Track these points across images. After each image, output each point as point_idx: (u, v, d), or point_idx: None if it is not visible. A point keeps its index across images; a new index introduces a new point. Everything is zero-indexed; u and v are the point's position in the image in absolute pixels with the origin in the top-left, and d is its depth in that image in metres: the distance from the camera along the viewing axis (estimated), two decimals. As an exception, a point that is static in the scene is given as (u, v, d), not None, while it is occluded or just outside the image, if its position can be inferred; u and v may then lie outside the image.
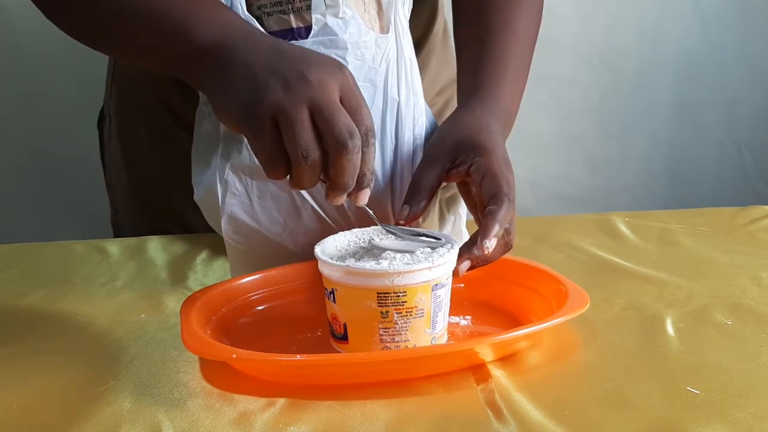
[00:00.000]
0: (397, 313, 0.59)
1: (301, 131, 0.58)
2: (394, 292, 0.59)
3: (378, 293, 0.58)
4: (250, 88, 0.59)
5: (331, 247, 0.64)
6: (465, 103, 0.74)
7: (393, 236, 0.64)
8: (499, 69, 0.75)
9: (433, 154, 0.68)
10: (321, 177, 0.60)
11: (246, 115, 0.59)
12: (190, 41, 0.62)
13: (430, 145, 0.70)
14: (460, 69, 0.80)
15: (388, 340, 0.60)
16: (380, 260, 0.59)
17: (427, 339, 0.61)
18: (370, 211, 0.64)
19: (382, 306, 0.59)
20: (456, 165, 0.67)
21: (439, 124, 0.74)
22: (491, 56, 0.76)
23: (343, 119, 0.58)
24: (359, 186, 0.61)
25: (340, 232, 0.65)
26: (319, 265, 0.61)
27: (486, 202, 0.65)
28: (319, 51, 0.67)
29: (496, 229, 0.63)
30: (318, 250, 0.61)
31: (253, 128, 0.59)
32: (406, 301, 0.59)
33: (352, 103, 0.60)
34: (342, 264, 0.59)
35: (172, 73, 0.69)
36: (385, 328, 0.59)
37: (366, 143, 0.60)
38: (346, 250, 0.64)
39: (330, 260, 0.60)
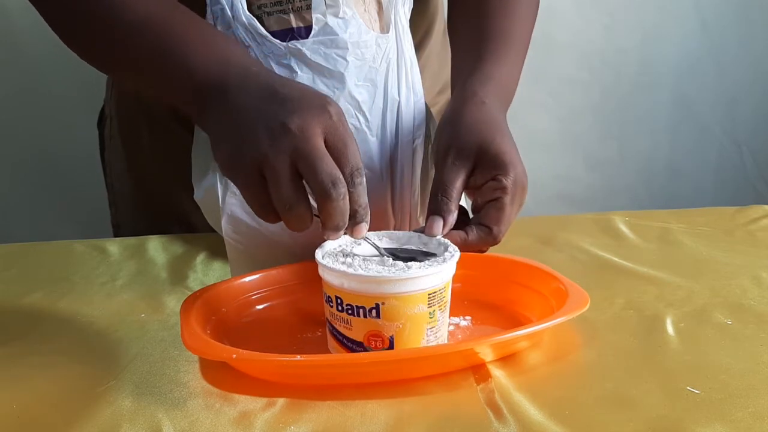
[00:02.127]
0: (439, 311, 0.60)
1: (282, 185, 0.58)
2: (440, 290, 0.59)
3: (429, 294, 0.59)
4: (237, 137, 0.60)
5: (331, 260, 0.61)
6: (470, 89, 0.72)
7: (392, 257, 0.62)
8: (500, 51, 0.76)
9: (455, 161, 0.67)
10: (316, 214, 0.60)
11: (234, 166, 0.61)
12: (189, 79, 0.63)
13: (448, 147, 0.68)
14: (457, 50, 0.80)
15: (432, 339, 0.60)
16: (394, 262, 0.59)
17: (447, 330, 0.62)
18: (370, 240, 0.63)
19: (431, 306, 0.59)
20: (474, 174, 0.67)
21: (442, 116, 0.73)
22: (492, 38, 0.76)
23: (326, 168, 0.58)
24: (353, 222, 0.61)
25: (326, 242, 0.63)
26: (354, 285, 0.58)
27: (484, 220, 0.66)
28: (319, 51, 0.67)
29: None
30: (343, 267, 0.58)
31: (241, 180, 0.60)
32: (444, 297, 0.60)
33: (338, 145, 0.59)
34: (392, 275, 0.57)
35: (171, 105, 0.70)
36: (431, 327, 0.60)
37: (352, 184, 0.59)
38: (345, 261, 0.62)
39: (378, 275, 0.57)
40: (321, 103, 0.60)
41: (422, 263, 0.59)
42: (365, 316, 0.58)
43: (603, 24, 1.62)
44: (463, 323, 0.67)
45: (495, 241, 0.66)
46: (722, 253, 0.83)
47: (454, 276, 0.61)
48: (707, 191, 1.74)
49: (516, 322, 0.67)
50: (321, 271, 0.60)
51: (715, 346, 0.63)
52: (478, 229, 0.66)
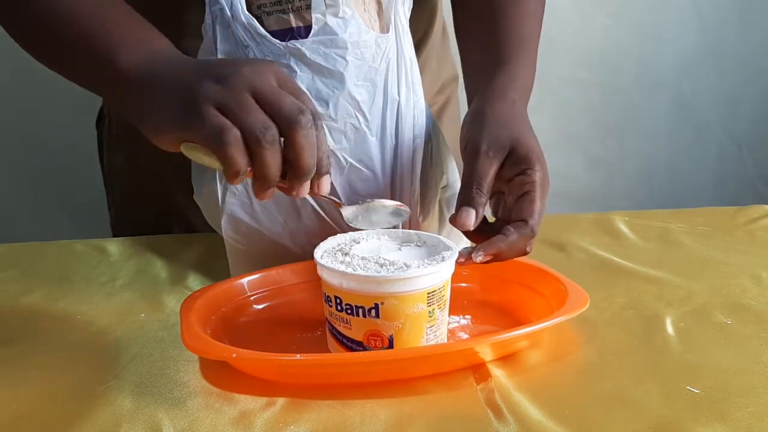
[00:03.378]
0: (438, 309, 0.60)
1: (252, 110, 0.56)
2: (439, 289, 0.59)
3: (428, 293, 0.59)
4: (182, 93, 0.58)
5: (330, 259, 0.61)
6: (500, 88, 0.72)
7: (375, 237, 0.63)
8: (520, 51, 0.76)
9: (489, 152, 0.66)
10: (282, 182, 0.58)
11: (185, 117, 0.57)
12: (116, 71, 0.62)
13: (481, 140, 0.67)
14: (472, 51, 0.80)
15: (432, 338, 0.60)
16: (391, 262, 0.59)
17: (446, 328, 0.62)
18: (335, 198, 0.62)
19: (430, 305, 0.59)
20: (504, 168, 0.67)
21: (440, 120, 0.73)
22: (510, 38, 0.77)
23: (288, 98, 0.56)
24: (318, 172, 0.59)
25: (324, 241, 0.63)
26: (353, 285, 0.57)
27: (512, 218, 0.65)
28: (318, 50, 0.67)
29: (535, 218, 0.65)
30: (342, 267, 0.58)
31: (197, 125, 0.56)
32: (444, 295, 0.60)
33: (293, 88, 0.58)
34: (391, 274, 0.57)
35: (111, 103, 0.69)
36: (431, 326, 0.60)
37: (315, 126, 0.57)
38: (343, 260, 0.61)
39: (377, 274, 0.57)
40: (268, 61, 0.60)
41: (421, 262, 0.59)
42: (364, 315, 0.58)
43: (603, 24, 1.62)
44: (463, 323, 0.67)
45: (533, 234, 0.65)
46: (722, 253, 0.84)
47: (454, 276, 0.61)
48: (707, 191, 1.74)
49: (516, 322, 0.67)
50: (320, 271, 0.60)
51: (715, 346, 0.63)
52: (514, 226, 0.64)
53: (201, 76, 0.58)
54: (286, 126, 0.56)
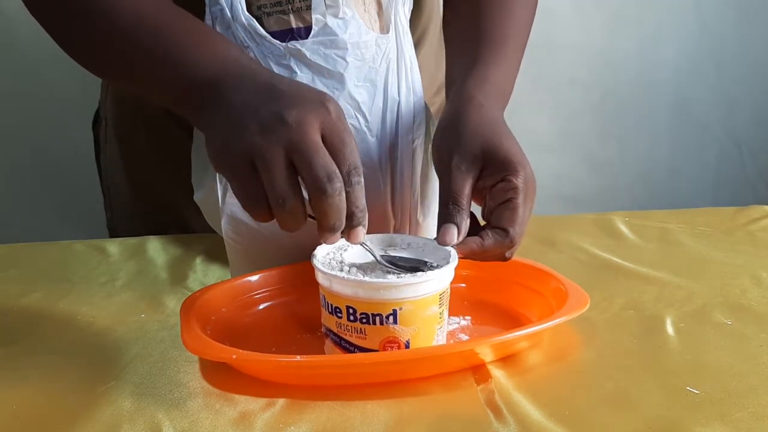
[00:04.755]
0: (445, 309, 0.60)
1: (276, 177, 0.56)
2: (447, 289, 0.60)
3: (440, 295, 0.59)
4: (229, 130, 0.58)
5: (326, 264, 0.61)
6: (467, 92, 0.70)
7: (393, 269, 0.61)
8: (496, 53, 0.74)
9: (460, 166, 0.65)
10: (311, 215, 0.58)
11: (224, 157, 0.58)
12: (183, 79, 0.62)
13: (452, 152, 0.66)
14: (452, 53, 0.79)
15: (441, 338, 0.60)
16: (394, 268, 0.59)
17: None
18: (368, 246, 0.61)
19: (441, 306, 0.59)
20: (483, 177, 0.65)
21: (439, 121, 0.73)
22: (488, 39, 0.75)
23: (321, 161, 0.56)
24: (350, 225, 0.58)
25: (317, 251, 0.62)
26: (371, 293, 0.57)
27: (498, 223, 0.64)
28: (318, 51, 0.67)
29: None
30: (353, 276, 0.58)
31: (230, 171, 0.58)
32: (448, 294, 0.60)
33: (335, 142, 0.57)
34: (409, 280, 0.57)
35: (163, 104, 0.69)
36: (440, 327, 0.60)
37: (349, 183, 0.57)
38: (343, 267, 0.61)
39: (398, 280, 0.57)
40: (320, 99, 0.59)
41: (430, 265, 0.60)
42: (382, 323, 0.57)
43: (603, 25, 1.62)
44: (463, 323, 0.67)
45: (512, 243, 0.63)
46: (722, 253, 0.84)
47: (455, 276, 0.62)
48: (707, 191, 1.74)
49: (516, 322, 0.67)
50: (328, 282, 0.59)
51: (715, 346, 0.63)
52: (493, 232, 0.63)
53: (250, 115, 0.58)
54: (312, 191, 0.56)
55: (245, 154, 0.57)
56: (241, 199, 0.59)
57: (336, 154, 0.57)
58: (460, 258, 0.62)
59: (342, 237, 0.59)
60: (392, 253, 0.64)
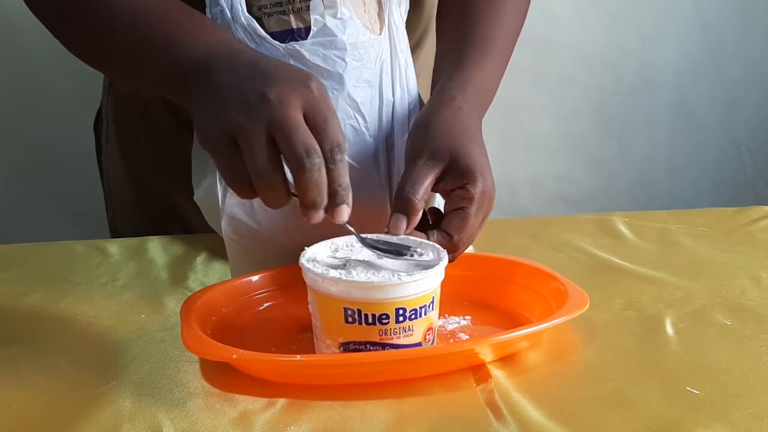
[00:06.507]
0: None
1: (256, 152, 0.56)
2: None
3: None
4: (214, 109, 0.59)
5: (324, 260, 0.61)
6: (448, 93, 0.70)
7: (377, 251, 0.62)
8: (481, 56, 0.74)
9: (426, 163, 0.65)
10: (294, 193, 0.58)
11: (207, 135, 0.59)
12: (174, 63, 0.63)
13: (421, 149, 0.66)
14: (441, 49, 0.78)
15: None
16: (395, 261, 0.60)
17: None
18: (351, 228, 0.61)
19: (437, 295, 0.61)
20: (442, 179, 0.66)
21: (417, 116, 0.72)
22: (474, 40, 0.75)
23: (301, 137, 0.56)
24: (333, 203, 0.58)
25: (313, 246, 0.63)
26: (422, 287, 0.58)
27: (446, 227, 0.65)
28: (317, 52, 0.67)
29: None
30: (397, 278, 0.57)
31: (213, 148, 0.59)
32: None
33: (317, 119, 0.58)
34: (439, 264, 0.59)
35: (160, 92, 0.69)
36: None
37: (332, 160, 0.57)
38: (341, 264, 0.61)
39: (433, 266, 0.58)
40: (302, 78, 0.59)
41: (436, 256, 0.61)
42: (425, 314, 0.59)
43: (603, 25, 1.62)
44: (463, 323, 0.67)
45: (454, 249, 0.65)
46: (722, 253, 0.84)
47: (454, 277, 0.62)
48: (706, 192, 1.74)
49: (516, 322, 0.67)
50: (370, 293, 0.57)
51: (714, 347, 0.63)
52: (438, 234, 0.65)
53: (233, 94, 0.58)
54: (291, 166, 0.57)
55: (228, 131, 0.57)
56: (224, 176, 0.59)
57: (318, 131, 0.57)
58: None
59: (326, 214, 0.59)
60: (373, 237, 0.64)
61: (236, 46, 0.64)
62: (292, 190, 0.58)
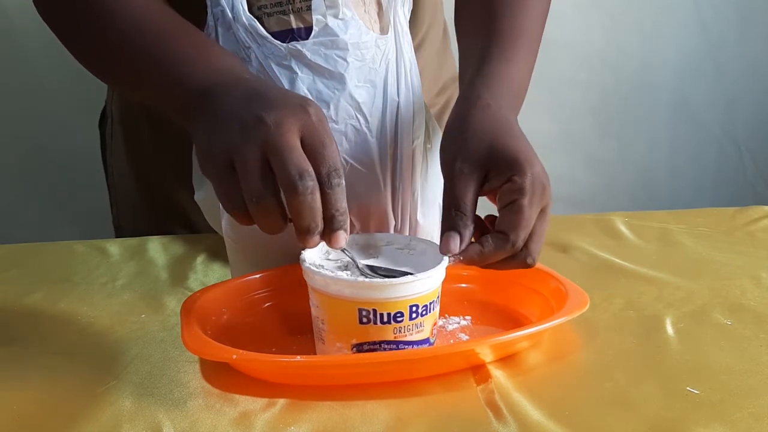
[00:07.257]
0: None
1: (251, 176, 0.56)
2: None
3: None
4: (213, 133, 0.59)
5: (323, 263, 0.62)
6: (474, 92, 0.68)
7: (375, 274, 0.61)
8: (508, 51, 0.71)
9: (463, 169, 0.62)
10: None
11: (205, 160, 0.59)
12: (179, 87, 0.63)
13: (455, 156, 0.63)
14: (463, 49, 0.77)
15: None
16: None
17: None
18: (349, 253, 0.61)
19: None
20: (489, 179, 0.62)
21: (440, 121, 0.72)
22: (499, 33, 0.72)
23: (295, 160, 0.55)
24: (330, 228, 0.57)
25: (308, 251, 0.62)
26: (433, 283, 0.58)
27: (500, 227, 0.61)
28: (319, 52, 0.67)
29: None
30: (407, 276, 0.57)
31: (212, 173, 0.58)
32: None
33: (315, 144, 0.57)
34: (444, 261, 0.59)
35: (164, 113, 0.69)
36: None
37: (329, 185, 0.56)
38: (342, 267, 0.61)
39: (439, 263, 0.59)
40: (301, 103, 0.58)
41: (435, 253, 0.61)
42: (433, 309, 0.59)
43: (603, 25, 1.62)
44: (463, 323, 0.67)
45: (514, 249, 0.60)
46: (722, 253, 0.84)
47: (455, 276, 0.62)
48: (706, 192, 1.74)
49: (516, 323, 0.67)
50: (386, 292, 0.57)
51: (714, 347, 0.63)
52: (493, 237, 0.60)
53: (231, 118, 0.58)
54: (284, 190, 0.56)
55: (224, 154, 0.57)
56: (223, 204, 0.58)
57: (315, 156, 0.56)
58: (465, 264, 0.61)
59: (323, 241, 0.58)
60: (373, 263, 0.63)
61: (240, 72, 0.63)
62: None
